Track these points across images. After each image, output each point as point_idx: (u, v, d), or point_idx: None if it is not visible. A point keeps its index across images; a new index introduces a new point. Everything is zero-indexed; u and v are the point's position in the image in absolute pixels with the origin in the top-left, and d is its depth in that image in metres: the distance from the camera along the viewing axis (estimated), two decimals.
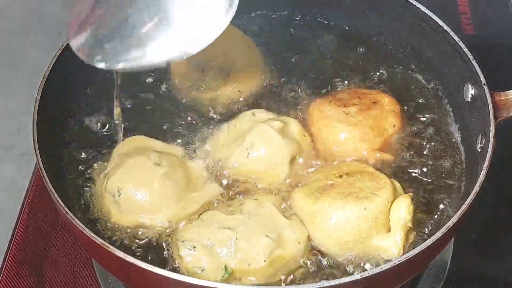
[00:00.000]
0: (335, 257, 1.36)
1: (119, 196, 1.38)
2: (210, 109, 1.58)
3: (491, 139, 1.36)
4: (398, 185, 1.42)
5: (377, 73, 1.67)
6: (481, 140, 1.42)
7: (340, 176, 1.41)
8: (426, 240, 1.25)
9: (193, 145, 1.52)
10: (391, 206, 1.36)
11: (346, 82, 1.65)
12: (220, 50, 1.59)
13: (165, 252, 1.38)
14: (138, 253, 1.37)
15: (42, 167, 1.33)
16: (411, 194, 1.39)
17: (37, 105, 1.41)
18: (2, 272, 1.64)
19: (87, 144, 1.54)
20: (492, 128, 1.37)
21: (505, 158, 1.82)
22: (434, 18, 1.56)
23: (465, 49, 1.49)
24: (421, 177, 1.49)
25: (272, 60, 1.68)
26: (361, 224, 1.34)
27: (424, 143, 1.54)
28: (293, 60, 1.70)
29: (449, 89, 1.59)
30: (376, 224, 1.34)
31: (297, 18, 1.79)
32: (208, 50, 1.58)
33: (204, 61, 1.59)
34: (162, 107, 1.60)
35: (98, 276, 1.62)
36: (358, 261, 1.36)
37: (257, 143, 1.44)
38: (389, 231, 1.36)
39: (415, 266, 1.35)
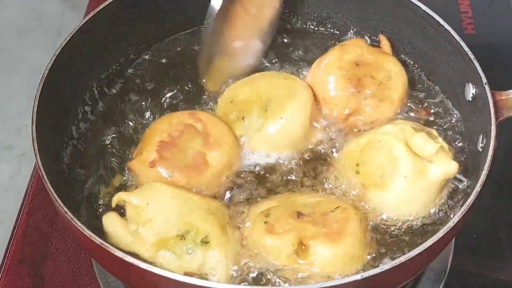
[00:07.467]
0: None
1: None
2: None
3: (492, 139, 1.35)
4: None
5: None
6: (482, 140, 1.41)
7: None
8: (427, 240, 1.25)
9: None
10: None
11: None
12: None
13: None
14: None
15: (41, 167, 1.32)
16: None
17: (36, 104, 1.41)
18: (2, 271, 1.64)
19: (87, 143, 1.53)
20: (493, 128, 1.37)
21: (506, 158, 1.82)
22: (435, 17, 1.56)
23: (466, 48, 1.48)
24: None
25: (273, 60, 1.68)
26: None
27: None
28: (292, 59, 1.69)
29: (450, 88, 1.59)
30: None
31: (295, 18, 1.78)
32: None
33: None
34: None
35: (97, 276, 1.61)
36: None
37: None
38: None
39: (416, 266, 1.34)
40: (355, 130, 1.53)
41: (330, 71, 1.55)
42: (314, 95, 1.54)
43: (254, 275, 1.33)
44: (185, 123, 1.47)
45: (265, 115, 1.49)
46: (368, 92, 1.53)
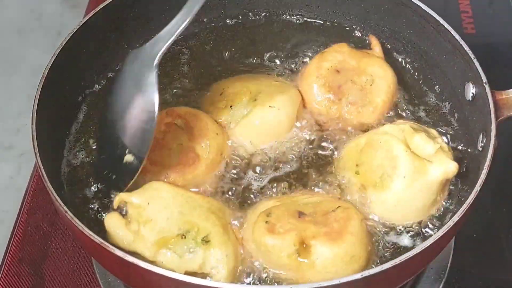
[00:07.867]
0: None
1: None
2: None
3: (492, 139, 1.35)
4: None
5: None
6: (482, 139, 1.41)
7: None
8: (426, 239, 1.25)
9: None
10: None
11: None
12: None
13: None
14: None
15: (41, 166, 1.32)
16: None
17: (36, 104, 1.41)
18: (2, 271, 1.64)
19: (87, 143, 1.53)
20: (493, 127, 1.37)
21: (506, 158, 1.82)
22: (435, 16, 1.56)
23: (466, 48, 1.48)
24: None
25: (276, 62, 1.69)
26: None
27: None
28: (294, 57, 1.69)
29: (450, 87, 1.59)
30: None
31: (296, 17, 1.78)
32: None
33: None
34: None
35: (97, 275, 1.61)
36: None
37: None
38: None
39: (416, 266, 1.34)
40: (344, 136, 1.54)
41: (309, 81, 1.56)
42: (302, 100, 1.56)
43: (254, 274, 1.33)
44: (165, 123, 1.47)
45: (253, 104, 1.50)
46: (350, 99, 1.53)
